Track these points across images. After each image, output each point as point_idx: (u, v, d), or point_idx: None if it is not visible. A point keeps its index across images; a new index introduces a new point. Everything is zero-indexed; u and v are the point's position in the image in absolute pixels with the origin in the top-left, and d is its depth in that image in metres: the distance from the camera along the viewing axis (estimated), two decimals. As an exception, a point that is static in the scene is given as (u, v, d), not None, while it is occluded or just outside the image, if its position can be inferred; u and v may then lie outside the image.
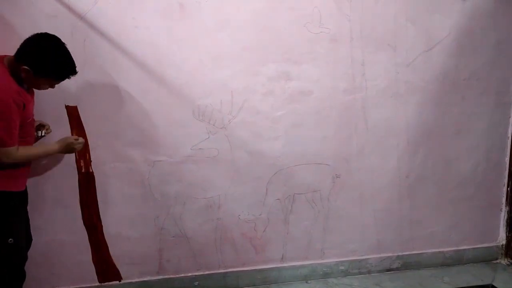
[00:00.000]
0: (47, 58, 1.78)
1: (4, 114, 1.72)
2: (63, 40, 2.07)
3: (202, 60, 2.29)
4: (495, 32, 2.62)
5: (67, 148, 2.07)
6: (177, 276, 2.52)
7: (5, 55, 1.85)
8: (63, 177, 2.27)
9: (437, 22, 2.52)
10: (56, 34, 2.08)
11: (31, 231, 2.15)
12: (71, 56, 1.85)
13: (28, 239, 2.13)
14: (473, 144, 2.75)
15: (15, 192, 1.90)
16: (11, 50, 2.03)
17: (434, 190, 2.76)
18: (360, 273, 2.77)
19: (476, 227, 2.89)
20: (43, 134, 2.08)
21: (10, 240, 1.86)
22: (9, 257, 1.89)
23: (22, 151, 1.84)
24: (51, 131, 2.14)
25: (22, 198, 1.98)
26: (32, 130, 1.99)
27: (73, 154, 2.25)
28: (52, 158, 2.23)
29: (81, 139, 2.13)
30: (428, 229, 2.81)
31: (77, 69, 1.89)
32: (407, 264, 2.82)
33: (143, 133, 2.31)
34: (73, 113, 2.22)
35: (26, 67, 1.75)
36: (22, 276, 2.04)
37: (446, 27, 2.54)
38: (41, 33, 1.81)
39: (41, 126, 2.09)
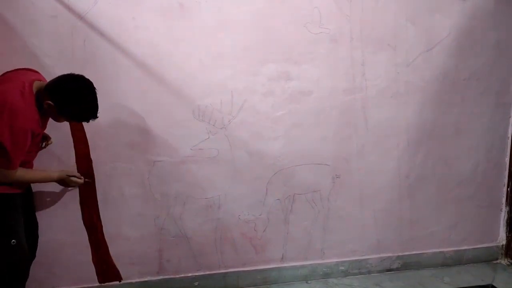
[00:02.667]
0: (73, 103, 1.81)
1: (19, 142, 1.75)
2: (63, 40, 2.08)
3: (202, 60, 2.29)
4: (495, 32, 2.62)
5: (65, 181, 2.12)
6: (177, 276, 2.52)
7: (36, 76, 1.88)
8: (63, 177, 2.28)
9: (437, 22, 2.52)
10: (56, 34, 2.10)
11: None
12: (97, 103, 1.87)
13: (35, 239, 2.14)
14: (473, 144, 2.75)
15: (15, 194, 1.90)
16: (11, 50, 2.05)
17: (434, 190, 2.76)
18: (360, 273, 2.77)
19: (476, 227, 2.89)
20: (43, 146, 2.10)
21: (13, 242, 1.87)
22: (12, 258, 1.89)
23: (20, 174, 1.86)
24: (52, 143, 2.15)
25: (22, 199, 1.98)
26: (39, 143, 2.02)
27: (73, 154, 2.25)
28: (53, 158, 2.24)
29: (81, 180, 2.17)
30: (428, 229, 2.81)
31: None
32: (407, 264, 2.82)
33: (143, 133, 2.31)
34: (73, 113, 2.21)
35: (51, 102, 1.78)
36: (25, 276, 2.04)
37: (446, 27, 2.54)
38: (77, 75, 1.84)
39: (43, 138, 2.10)
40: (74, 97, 1.80)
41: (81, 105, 1.83)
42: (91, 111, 1.87)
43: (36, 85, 1.81)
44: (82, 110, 1.85)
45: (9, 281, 1.92)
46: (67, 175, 2.11)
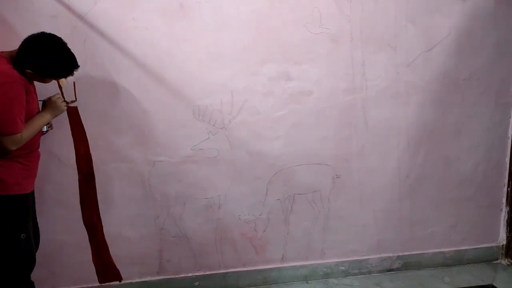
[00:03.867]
0: (49, 62, 1.80)
1: (10, 99, 1.72)
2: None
3: (202, 60, 2.29)
4: (495, 32, 2.62)
5: (56, 110, 2.00)
6: (177, 276, 2.52)
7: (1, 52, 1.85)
8: (63, 177, 2.28)
9: (437, 22, 2.52)
10: (56, 34, 2.09)
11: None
12: (71, 53, 1.86)
13: (37, 241, 2.16)
14: (473, 144, 2.75)
15: (28, 194, 1.95)
16: (11, 50, 2.03)
17: (434, 190, 2.76)
18: (361, 273, 2.77)
19: (476, 227, 2.89)
20: (46, 130, 2.07)
21: (23, 236, 1.92)
22: (21, 249, 1.95)
23: (25, 135, 1.83)
24: (53, 128, 2.14)
25: (33, 197, 2.05)
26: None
27: (74, 154, 2.26)
28: (53, 158, 2.24)
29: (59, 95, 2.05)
30: (428, 229, 2.81)
31: (79, 63, 1.89)
32: (408, 264, 2.82)
33: (143, 133, 2.32)
34: (73, 113, 2.21)
35: (30, 71, 1.77)
36: (32, 264, 2.08)
37: (446, 27, 2.54)
38: (39, 35, 1.79)
39: None
40: (47, 57, 1.78)
41: (57, 61, 1.82)
42: (70, 62, 1.85)
43: (6, 53, 1.80)
44: (61, 65, 1.83)
45: (19, 269, 1.99)
46: (55, 101, 1.99)
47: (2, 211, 1.87)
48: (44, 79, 1.87)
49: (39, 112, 1.96)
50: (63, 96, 2.05)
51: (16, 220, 1.91)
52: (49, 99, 1.99)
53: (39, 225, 2.21)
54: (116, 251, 2.43)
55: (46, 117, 1.96)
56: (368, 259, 2.76)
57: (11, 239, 1.91)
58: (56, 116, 2.02)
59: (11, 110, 1.73)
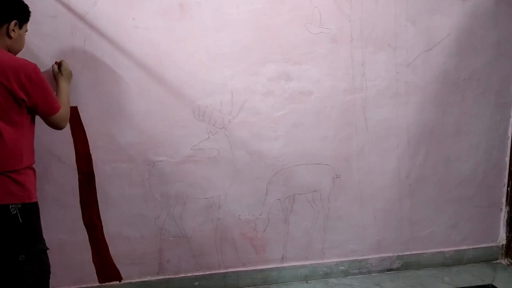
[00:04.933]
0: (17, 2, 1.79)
1: (42, 81, 1.76)
2: (63, 40, 2.10)
3: (202, 60, 2.29)
4: (495, 32, 2.61)
5: (70, 75, 2.13)
6: (177, 276, 2.52)
7: None
8: (63, 177, 2.28)
9: (437, 22, 2.52)
10: (56, 34, 2.11)
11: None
12: None
13: None
14: (473, 144, 2.75)
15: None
16: (11, 50, 2.03)
17: (434, 190, 2.76)
18: (360, 273, 2.77)
19: (476, 227, 2.89)
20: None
21: (48, 249, 1.89)
22: (48, 263, 1.89)
23: (64, 109, 1.91)
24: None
25: None
26: None
27: (74, 154, 2.26)
28: (53, 158, 2.24)
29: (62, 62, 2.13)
30: (428, 229, 2.81)
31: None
32: (407, 264, 2.82)
33: (143, 133, 2.32)
34: (73, 113, 2.20)
35: (15, 21, 1.75)
36: None
37: (446, 27, 2.54)
38: None
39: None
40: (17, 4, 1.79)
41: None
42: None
43: None
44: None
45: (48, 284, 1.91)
46: (68, 68, 2.10)
47: (31, 219, 1.79)
48: (23, 34, 1.83)
49: (58, 85, 2.05)
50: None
51: (40, 229, 1.86)
52: (67, 70, 2.08)
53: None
54: (116, 251, 2.43)
55: (67, 87, 2.08)
56: (368, 259, 2.76)
57: (42, 253, 1.84)
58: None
59: (50, 91, 1.80)
